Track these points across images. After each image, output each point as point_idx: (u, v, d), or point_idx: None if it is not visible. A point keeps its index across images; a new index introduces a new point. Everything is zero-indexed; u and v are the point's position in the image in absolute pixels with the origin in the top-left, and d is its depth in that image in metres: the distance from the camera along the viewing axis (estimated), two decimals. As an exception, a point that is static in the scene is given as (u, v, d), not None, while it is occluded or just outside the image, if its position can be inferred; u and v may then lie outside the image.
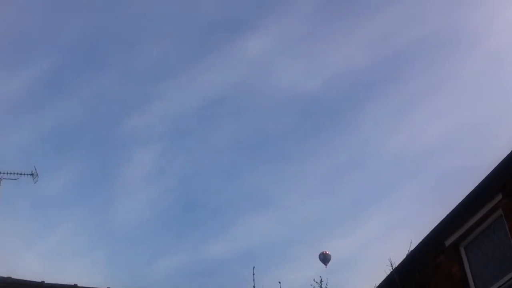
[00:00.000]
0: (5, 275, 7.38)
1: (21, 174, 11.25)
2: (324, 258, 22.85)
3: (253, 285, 11.15)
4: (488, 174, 6.43)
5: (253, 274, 11.47)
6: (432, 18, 43.17)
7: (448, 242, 7.35)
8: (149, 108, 45.79)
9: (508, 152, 6.07)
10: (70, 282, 7.96)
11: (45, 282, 7.82)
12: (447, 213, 7.17)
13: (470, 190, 6.73)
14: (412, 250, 8.03)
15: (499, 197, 6.44)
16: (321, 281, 11.73)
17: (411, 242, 8.15)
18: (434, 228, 7.44)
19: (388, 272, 8.55)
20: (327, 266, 22.80)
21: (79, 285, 7.93)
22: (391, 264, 8.58)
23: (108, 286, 8.15)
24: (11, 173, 11.18)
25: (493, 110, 39.48)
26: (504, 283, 6.41)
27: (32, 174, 11.49)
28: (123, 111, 46.99)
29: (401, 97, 45.50)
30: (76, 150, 42.29)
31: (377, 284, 8.82)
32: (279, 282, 11.59)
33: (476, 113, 40.71)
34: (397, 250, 8.58)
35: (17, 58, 39.57)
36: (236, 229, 41.29)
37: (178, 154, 46.83)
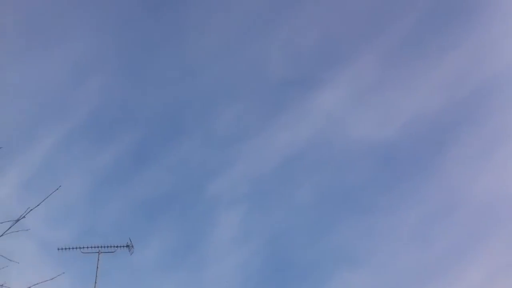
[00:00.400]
0: None
1: (117, 246, 10.99)
2: None
3: None
4: None
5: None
6: (508, 51, 41.32)
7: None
8: (230, 170, 45.62)
9: None
10: None
11: None
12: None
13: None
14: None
15: None
16: None
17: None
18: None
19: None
20: None
21: None
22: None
23: None
24: (108, 247, 10.90)
25: None
26: None
27: (127, 246, 11.19)
28: (207, 175, 46.99)
29: (485, 136, 43.12)
30: (166, 218, 42.52)
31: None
32: None
33: None
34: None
35: (103, 134, 41.29)
36: (329, 288, 39.53)
37: (262, 214, 45.90)
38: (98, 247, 10.52)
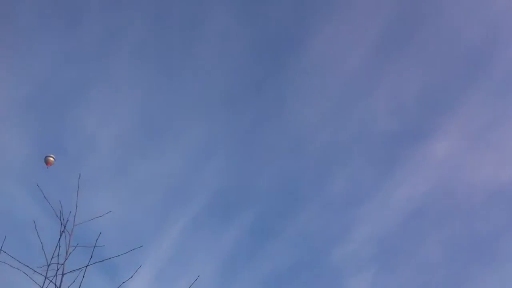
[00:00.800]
0: None
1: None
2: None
3: None
4: None
5: None
6: None
7: None
8: (353, 233, 46.79)
9: None
10: None
11: None
12: None
13: None
14: None
15: None
16: None
17: None
18: None
19: None
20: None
21: None
22: None
23: None
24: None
25: None
26: None
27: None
28: (330, 241, 48.31)
29: None
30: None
31: None
32: None
33: None
34: None
35: (226, 213, 44.08)
36: None
37: (391, 275, 46.84)
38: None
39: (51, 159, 29.87)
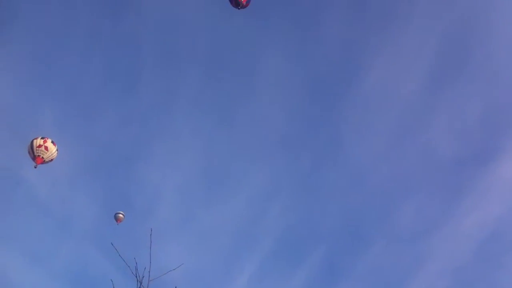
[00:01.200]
0: None
1: None
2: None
3: None
4: None
5: None
6: None
7: None
8: (424, 267, 46.60)
9: None
10: None
11: None
12: None
13: None
14: None
15: None
16: None
17: None
18: None
19: None
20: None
21: None
22: None
23: None
24: None
25: None
26: None
27: None
28: (400, 277, 47.64)
29: None
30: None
31: None
32: None
33: None
34: None
35: (293, 255, 46.67)
36: None
37: None
38: None
39: (121, 216, 31.09)
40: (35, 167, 26.99)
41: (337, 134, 50.35)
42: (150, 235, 6.71)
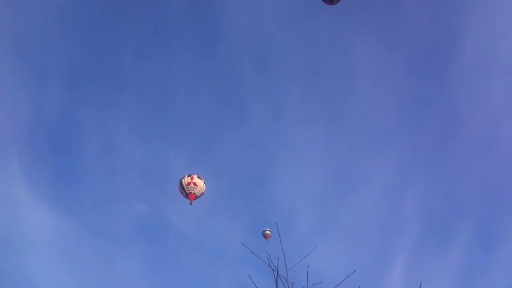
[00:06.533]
0: None
1: None
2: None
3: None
4: None
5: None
6: None
7: None
8: None
9: None
10: None
11: None
12: None
13: None
14: None
15: None
16: None
17: None
18: None
19: None
20: None
21: None
22: None
23: None
24: None
25: None
26: None
27: None
28: None
29: None
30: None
31: None
32: None
33: None
34: None
35: (439, 234, 47.51)
36: None
37: None
38: None
39: (268, 232, 32.21)
40: (191, 204, 29.07)
41: (451, 108, 47.39)
42: (277, 228, 7.16)
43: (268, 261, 6.72)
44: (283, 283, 6.80)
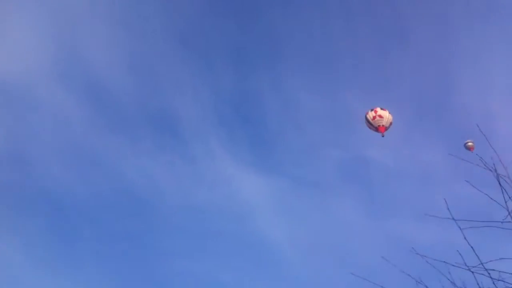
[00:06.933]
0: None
1: None
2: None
3: None
4: None
5: None
6: None
7: None
8: None
9: None
10: None
11: None
12: None
13: None
14: None
15: None
16: None
17: None
18: None
19: None
20: None
21: None
22: None
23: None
24: None
25: None
26: None
27: None
28: None
29: None
30: None
31: None
32: None
33: None
34: None
35: None
36: None
37: None
38: None
39: (471, 144, 29.96)
40: (383, 136, 28.60)
41: None
42: (480, 129, 6.72)
43: (483, 162, 6.32)
44: (505, 181, 6.35)
